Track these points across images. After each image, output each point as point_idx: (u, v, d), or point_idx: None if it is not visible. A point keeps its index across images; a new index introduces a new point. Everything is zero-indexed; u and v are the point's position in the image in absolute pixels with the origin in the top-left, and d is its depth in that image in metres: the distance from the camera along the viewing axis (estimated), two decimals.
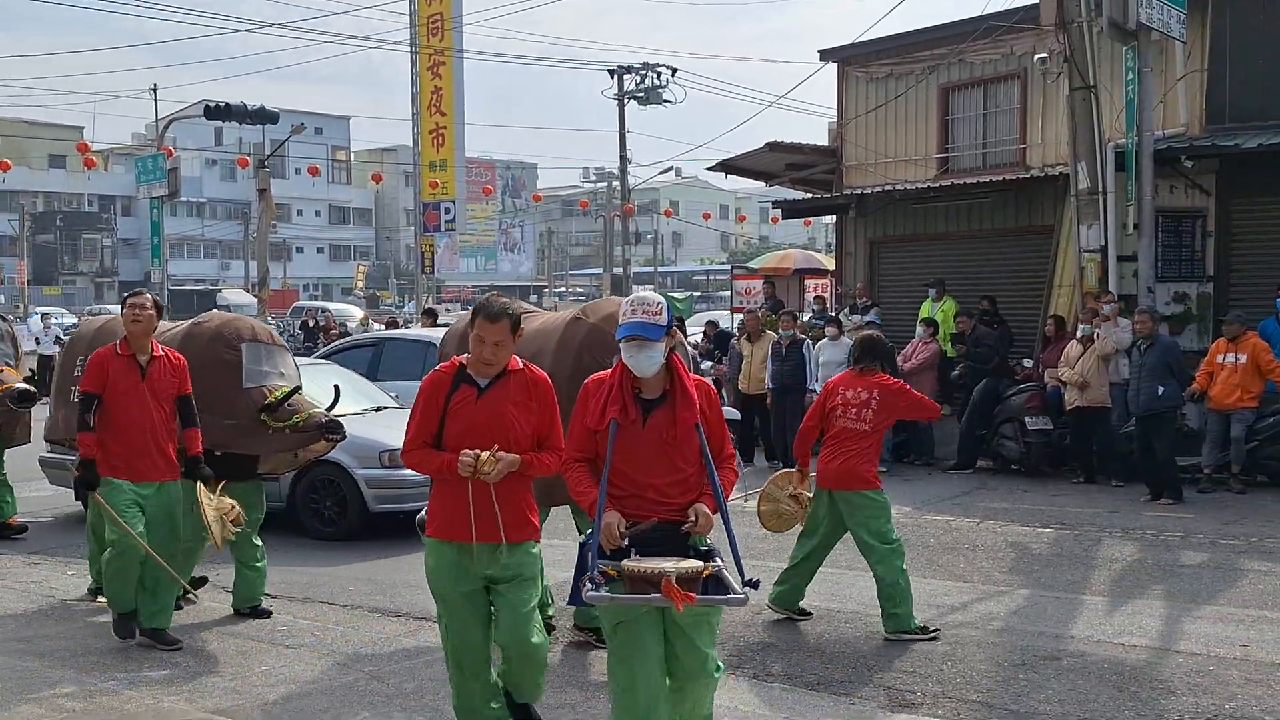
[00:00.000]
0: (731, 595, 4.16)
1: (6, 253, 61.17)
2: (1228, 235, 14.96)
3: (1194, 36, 14.97)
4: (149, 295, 6.93)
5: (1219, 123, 15.20)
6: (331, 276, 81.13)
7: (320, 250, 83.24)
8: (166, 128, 38.29)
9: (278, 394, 7.37)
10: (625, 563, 4.16)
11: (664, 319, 4.36)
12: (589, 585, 4.13)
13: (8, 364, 10.01)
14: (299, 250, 78.89)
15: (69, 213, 73.46)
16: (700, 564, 4.17)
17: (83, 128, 70.98)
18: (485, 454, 4.52)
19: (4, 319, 10.91)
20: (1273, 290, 13.52)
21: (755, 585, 4.17)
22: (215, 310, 11.02)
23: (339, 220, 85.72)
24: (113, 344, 6.83)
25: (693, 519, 4.32)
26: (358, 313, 41.56)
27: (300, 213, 79.85)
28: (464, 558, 4.73)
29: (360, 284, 70.71)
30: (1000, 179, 16.90)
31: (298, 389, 7.53)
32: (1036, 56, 16.40)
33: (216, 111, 27.63)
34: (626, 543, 4.28)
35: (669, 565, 4.09)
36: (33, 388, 9.99)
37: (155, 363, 6.75)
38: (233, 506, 6.86)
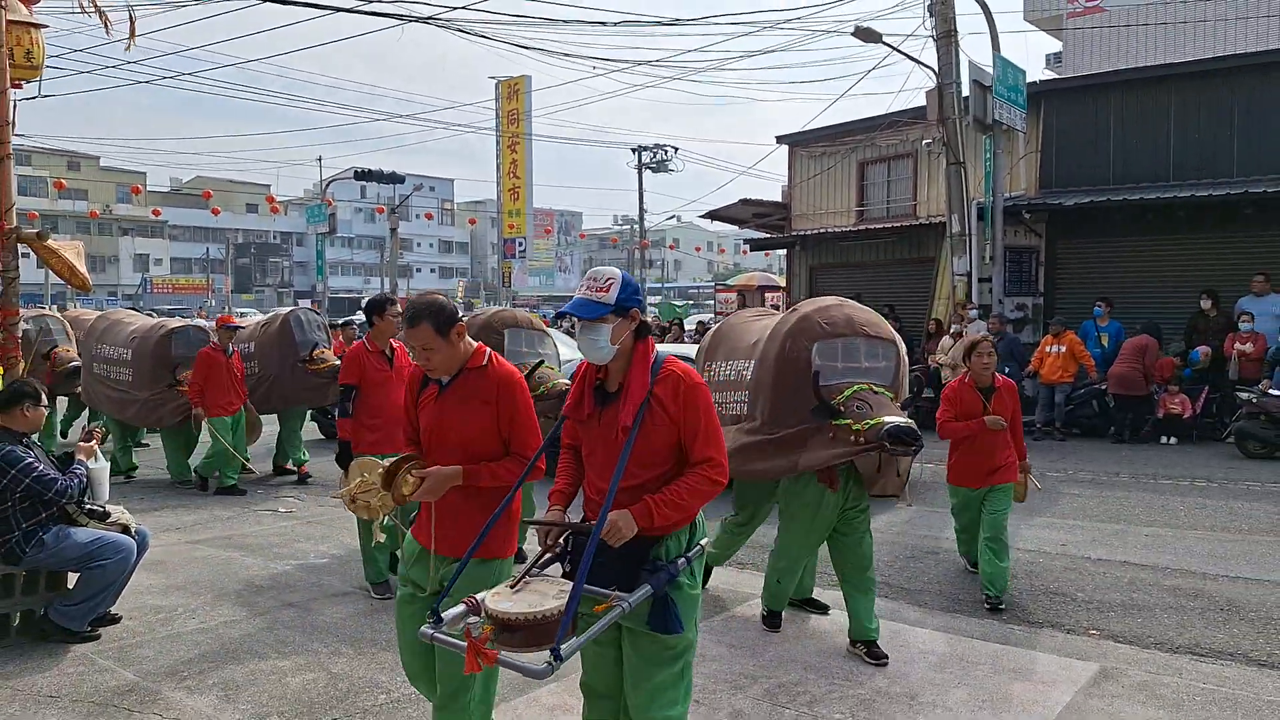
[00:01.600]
0: (527, 667, 2.33)
1: (216, 271, 61.41)
2: (1053, 265, 14.87)
3: (1031, 128, 14.88)
4: (398, 303, 5.62)
5: (1048, 187, 15.12)
6: (440, 289, 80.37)
7: (433, 270, 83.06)
8: (328, 186, 38.27)
9: (527, 369, 6.08)
10: (488, 598, 2.50)
11: (612, 296, 2.68)
12: (431, 619, 2.53)
13: (325, 347, 9.57)
14: (417, 270, 78.82)
15: (259, 244, 73.49)
16: (550, 608, 2.40)
17: (269, 185, 71.36)
18: (368, 476, 3.13)
19: (317, 312, 10.12)
20: (1083, 302, 13.47)
21: (559, 658, 2.31)
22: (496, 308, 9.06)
23: (445, 250, 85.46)
24: (361, 341, 5.64)
25: (606, 527, 2.56)
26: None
27: (418, 245, 79.69)
28: (419, 562, 3.19)
29: (460, 295, 70.69)
30: (899, 225, 16.80)
31: (541, 362, 6.27)
32: (924, 141, 16.31)
33: (363, 175, 27.81)
34: (567, 551, 2.75)
35: (507, 605, 2.42)
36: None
37: (398, 353, 5.62)
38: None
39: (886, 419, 4.17)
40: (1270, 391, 10.32)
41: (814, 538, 4.75)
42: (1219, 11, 20.54)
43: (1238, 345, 11.32)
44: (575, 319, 2.69)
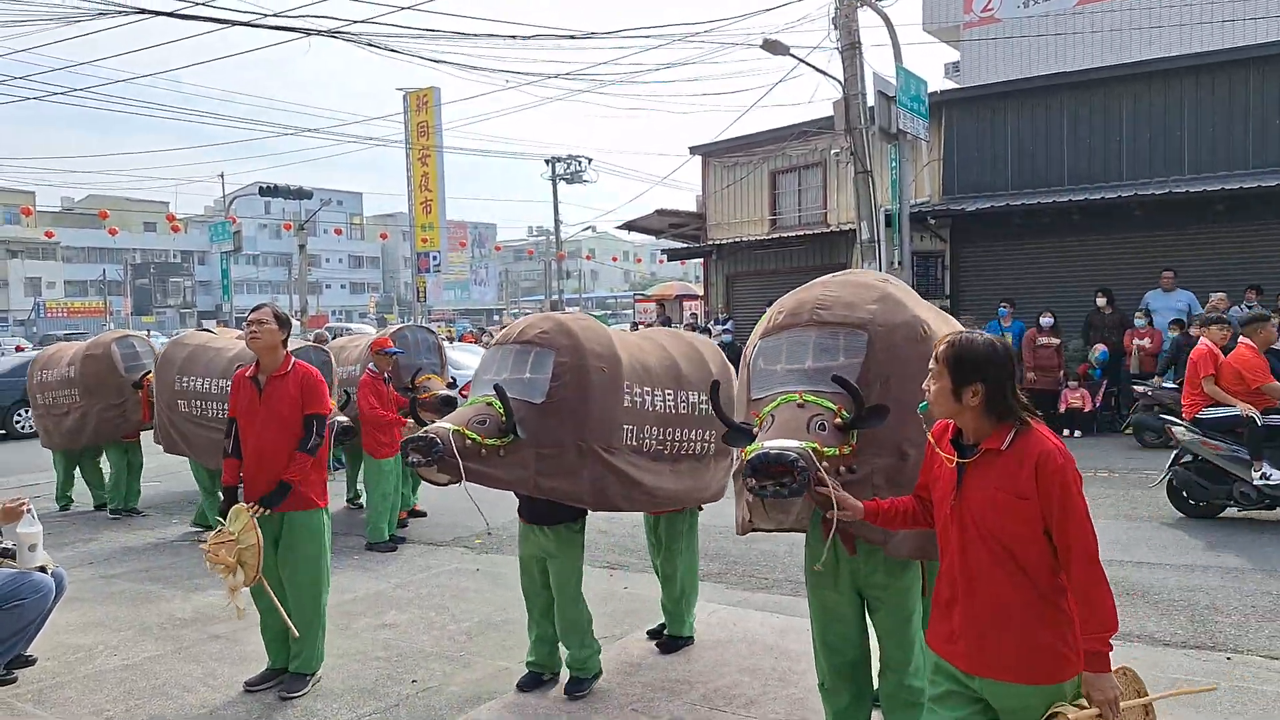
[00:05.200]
0: None
1: (115, 293, 59.13)
2: (958, 268, 15.43)
3: (934, 137, 15.44)
4: (268, 308, 4.55)
5: (951, 194, 15.70)
6: (351, 305, 79.39)
7: (343, 286, 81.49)
8: (231, 202, 37.26)
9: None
10: None
11: None
12: None
13: (434, 373, 8.30)
14: (327, 286, 77.18)
15: (159, 263, 70.95)
16: None
17: (168, 202, 68.98)
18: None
19: (432, 331, 8.92)
20: (987, 304, 14.02)
21: None
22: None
23: (355, 265, 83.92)
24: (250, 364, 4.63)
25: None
26: (370, 330, 40.82)
27: (328, 260, 78.03)
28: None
29: (371, 310, 69.45)
30: (810, 233, 17.21)
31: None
32: (832, 151, 16.73)
33: (268, 190, 27.26)
34: None
35: None
36: (454, 394, 7.81)
37: (278, 381, 4.46)
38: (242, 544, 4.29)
39: (765, 444, 2.85)
40: (1164, 385, 10.93)
41: (832, 619, 3.37)
42: (1109, 22, 21.66)
43: (1136, 340, 11.96)
44: None
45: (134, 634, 5.37)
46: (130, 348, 9.11)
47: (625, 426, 4.26)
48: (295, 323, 30.91)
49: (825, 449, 2.89)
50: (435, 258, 39.68)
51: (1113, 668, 2.41)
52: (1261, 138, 13.34)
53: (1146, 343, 11.88)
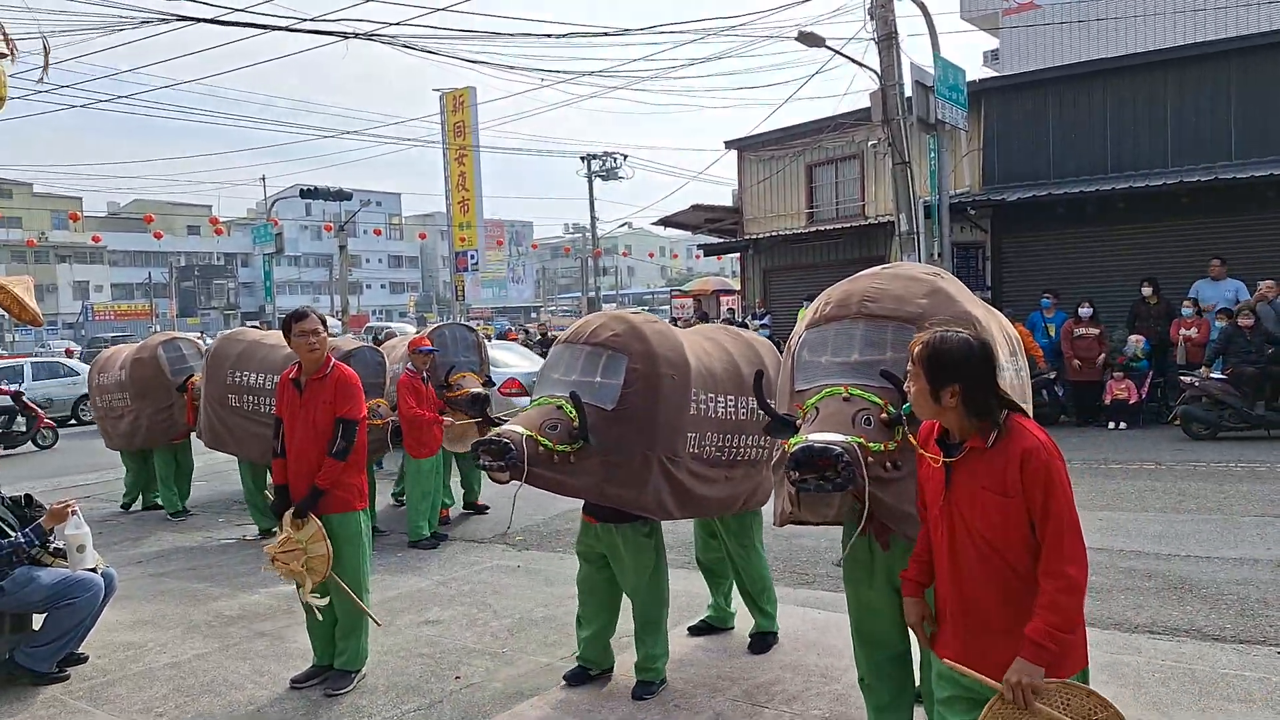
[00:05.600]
0: None
1: (160, 295, 60.35)
2: (999, 259, 15.22)
3: (973, 127, 15.24)
4: (314, 316, 4.50)
5: (991, 183, 15.48)
6: (391, 304, 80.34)
7: (383, 286, 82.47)
8: (273, 205, 37.78)
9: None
10: None
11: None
12: None
13: (471, 370, 8.26)
14: (367, 286, 78.17)
15: (203, 266, 72.27)
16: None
17: (211, 205, 70.16)
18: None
19: (471, 329, 8.86)
20: (1029, 295, 13.80)
21: None
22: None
23: (395, 265, 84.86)
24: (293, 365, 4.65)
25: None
26: (410, 329, 41.16)
27: (367, 260, 79.04)
28: None
29: (411, 309, 70.16)
30: (848, 226, 17.07)
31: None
32: (870, 143, 16.56)
33: (308, 192, 27.64)
34: None
35: None
36: (485, 392, 8.00)
37: (316, 382, 4.48)
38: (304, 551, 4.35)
39: (809, 437, 2.85)
40: (1212, 376, 10.70)
41: (869, 614, 3.44)
42: (1151, 6, 21.21)
43: (1183, 331, 11.71)
44: None
45: (182, 632, 5.46)
46: (176, 350, 9.18)
47: (689, 434, 4.18)
48: (336, 322, 30.90)
49: (870, 444, 2.84)
50: (473, 256, 39.97)
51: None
52: None
53: (1194, 333, 11.62)
